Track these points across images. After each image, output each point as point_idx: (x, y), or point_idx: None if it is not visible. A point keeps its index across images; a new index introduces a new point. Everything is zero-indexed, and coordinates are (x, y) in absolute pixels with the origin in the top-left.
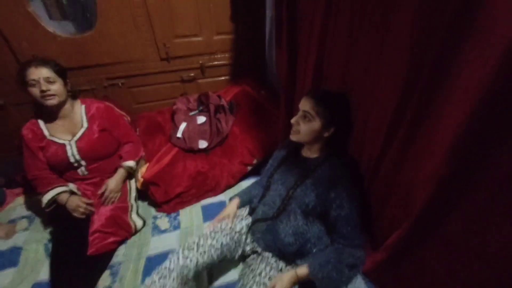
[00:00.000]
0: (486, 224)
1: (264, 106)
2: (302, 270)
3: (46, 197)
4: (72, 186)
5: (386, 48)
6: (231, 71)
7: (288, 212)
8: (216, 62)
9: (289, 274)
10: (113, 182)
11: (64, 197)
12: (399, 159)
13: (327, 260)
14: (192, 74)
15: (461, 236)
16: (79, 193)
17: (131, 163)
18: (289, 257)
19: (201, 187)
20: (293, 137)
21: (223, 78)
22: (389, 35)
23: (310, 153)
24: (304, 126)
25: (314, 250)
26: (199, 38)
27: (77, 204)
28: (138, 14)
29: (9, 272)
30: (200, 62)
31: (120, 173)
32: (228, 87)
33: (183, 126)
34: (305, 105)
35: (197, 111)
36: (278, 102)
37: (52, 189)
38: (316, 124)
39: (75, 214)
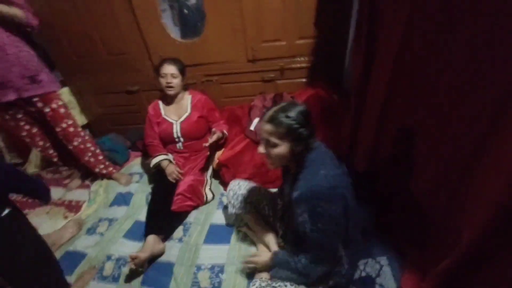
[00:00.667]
0: None
1: (334, 110)
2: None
3: (154, 161)
4: (171, 157)
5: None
6: (308, 74)
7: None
8: (295, 65)
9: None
10: (216, 135)
11: (165, 163)
12: (457, 185)
13: (287, 262)
14: (272, 75)
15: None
16: (174, 162)
17: (225, 131)
18: None
19: (263, 178)
20: (270, 167)
21: (300, 80)
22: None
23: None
24: (273, 153)
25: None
26: (283, 43)
27: (172, 171)
28: (235, 23)
29: (123, 208)
30: (281, 64)
31: (217, 133)
32: (303, 89)
33: (256, 120)
34: (264, 132)
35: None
36: (348, 108)
37: (158, 155)
38: (283, 147)
39: (169, 178)
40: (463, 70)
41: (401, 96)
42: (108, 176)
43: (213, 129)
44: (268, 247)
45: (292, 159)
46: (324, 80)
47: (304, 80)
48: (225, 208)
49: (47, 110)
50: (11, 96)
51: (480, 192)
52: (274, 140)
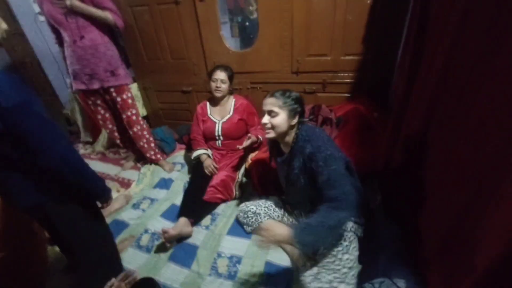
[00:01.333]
0: None
1: (373, 127)
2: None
3: (195, 153)
4: (210, 152)
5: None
6: (351, 89)
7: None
8: (338, 80)
9: (285, 230)
10: (251, 139)
11: (204, 157)
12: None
13: (308, 223)
14: (313, 88)
15: None
16: (212, 158)
17: (260, 137)
18: None
19: None
20: (269, 135)
21: (342, 94)
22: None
23: (287, 147)
24: (274, 122)
25: None
26: (327, 58)
27: (209, 164)
28: (284, 37)
29: (164, 192)
30: (323, 78)
31: (253, 138)
32: (343, 104)
33: None
34: (267, 105)
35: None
36: (387, 126)
37: (200, 149)
38: (282, 115)
39: (205, 171)
40: (500, 100)
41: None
42: (156, 162)
43: (249, 134)
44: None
45: (289, 129)
46: (367, 97)
47: (346, 95)
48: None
49: (118, 99)
50: (96, 85)
51: (494, 222)
52: (274, 109)
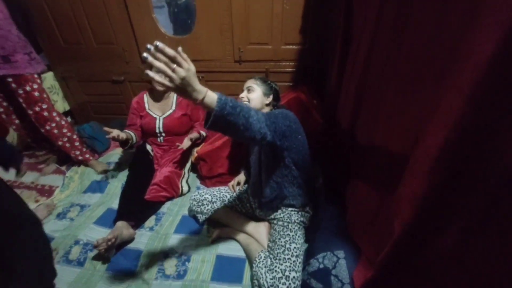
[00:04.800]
0: (474, 242)
1: (312, 113)
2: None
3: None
4: (149, 148)
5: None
6: (292, 78)
7: (265, 174)
8: (280, 69)
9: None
10: (193, 135)
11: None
12: (389, 175)
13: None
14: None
15: (445, 258)
16: (152, 153)
17: (203, 133)
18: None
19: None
20: None
21: (284, 83)
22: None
23: None
24: (251, 96)
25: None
26: (269, 47)
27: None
28: (224, 23)
29: (97, 196)
30: (266, 67)
31: (195, 135)
32: (286, 92)
33: None
34: (247, 83)
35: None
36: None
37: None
38: (258, 92)
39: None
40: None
41: (367, 105)
42: (85, 163)
43: (190, 132)
44: (247, 232)
45: (263, 106)
46: (308, 85)
47: (288, 83)
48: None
49: (20, 91)
50: None
51: (405, 185)
52: (253, 85)
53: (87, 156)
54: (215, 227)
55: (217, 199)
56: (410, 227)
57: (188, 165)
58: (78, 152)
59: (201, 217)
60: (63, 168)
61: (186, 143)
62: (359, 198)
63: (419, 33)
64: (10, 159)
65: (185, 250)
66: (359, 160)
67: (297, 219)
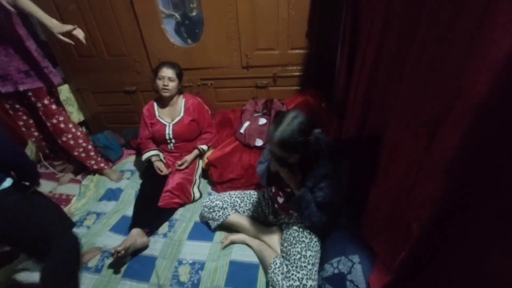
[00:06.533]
0: (487, 248)
1: (321, 117)
2: None
3: (145, 155)
4: (161, 155)
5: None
6: (300, 82)
7: None
8: (287, 73)
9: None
10: (189, 157)
11: (154, 158)
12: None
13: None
14: (265, 82)
15: (462, 262)
16: (164, 161)
17: (205, 147)
18: None
19: (250, 179)
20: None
21: (292, 88)
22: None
23: None
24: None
25: None
26: (275, 52)
27: (158, 167)
28: (231, 31)
29: (112, 203)
30: (273, 72)
31: (195, 152)
32: (294, 96)
33: (246, 124)
34: (275, 152)
35: (260, 114)
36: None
37: (149, 150)
38: (294, 158)
39: (158, 172)
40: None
41: (376, 104)
42: (100, 172)
43: (186, 157)
44: (259, 237)
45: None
46: (315, 88)
47: (296, 87)
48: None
49: (39, 104)
50: (9, 88)
51: (423, 188)
52: (285, 155)
53: (102, 165)
54: (227, 232)
55: (228, 205)
56: (428, 230)
57: (199, 171)
58: (93, 162)
59: (213, 223)
60: (79, 177)
61: (185, 163)
62: (373, 201)
63: (431, 32)
64: (36, 175)
65: (199, 256)
66: (371, 163)
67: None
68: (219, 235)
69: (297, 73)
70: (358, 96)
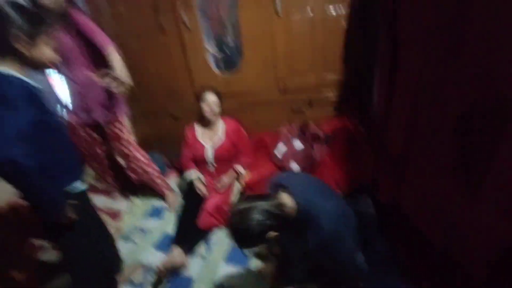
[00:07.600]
0: None
1: (359, 142)
2: None
3: (187, 174)
4: (202, 177)
5: None
6: (336, 106)
7: None
8: (323, 97)
9: None
10: (226, 178)
11: (195, 179)
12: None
13: None
14: (300, 106)
15: None
16: (204, 181)
17: (242, 170)
18: None
19: None
20: None
21: (328, 112)
22: None
23: None
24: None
25: None
26: (311, 76)
27: (199, 187)
28: (268, 58)
29: (155, 221)
30: (309, 96)
31: (233, 174)
32: (330, 121)
33: (283, 148)
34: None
35: (297, 138)
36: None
37: (191, 170)
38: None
39: (198, 191)
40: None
41: (421, 129)
42: (160, 193)
43: (224, 178)
44: None
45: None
46: (352, 113)
47: (332, 112)
48: None
49: (111, 133)
50: (92, 120)
51: (484, 230)
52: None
53: (163, 190)
54: (266, 259)
55: None
56: (491, 275)
57: (236, 193)
58: (157, 186)
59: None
60: (128, 193)
61: (222, 183)
62: (426, 237)
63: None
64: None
65: (234, 283)
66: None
67: None
68: (255, 262)
69: (333, 97)
70: (402, 119)
